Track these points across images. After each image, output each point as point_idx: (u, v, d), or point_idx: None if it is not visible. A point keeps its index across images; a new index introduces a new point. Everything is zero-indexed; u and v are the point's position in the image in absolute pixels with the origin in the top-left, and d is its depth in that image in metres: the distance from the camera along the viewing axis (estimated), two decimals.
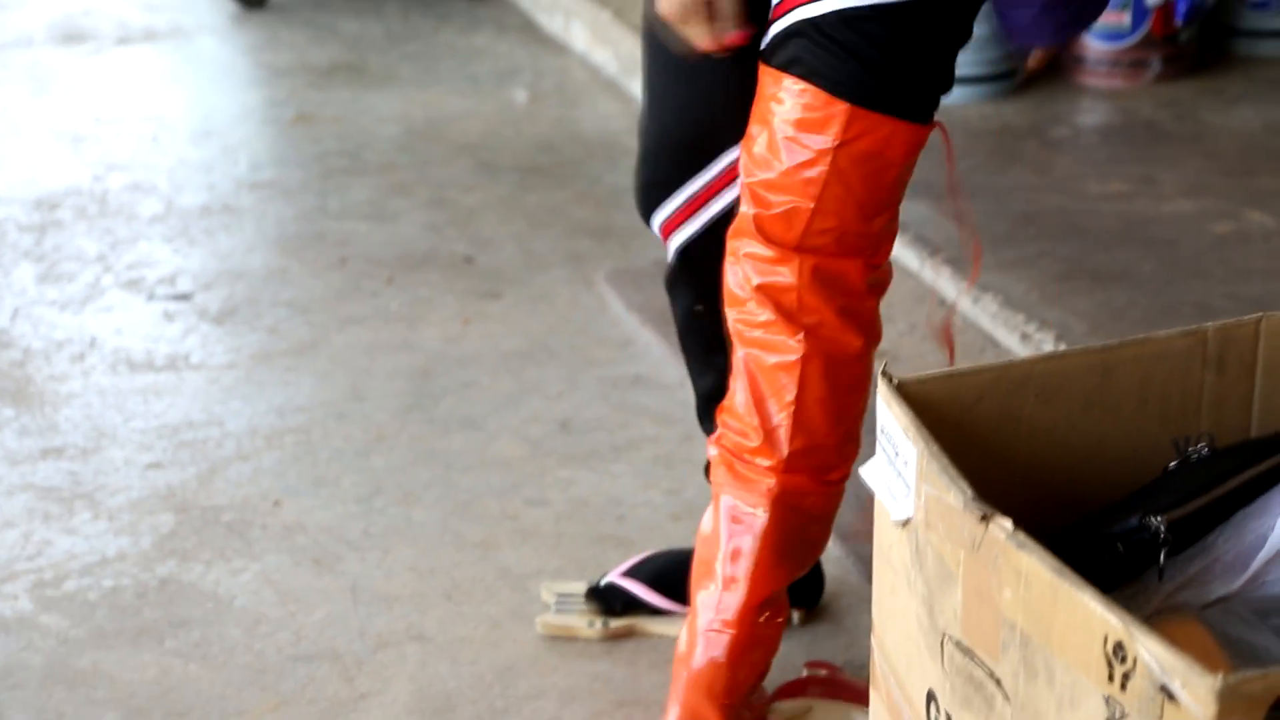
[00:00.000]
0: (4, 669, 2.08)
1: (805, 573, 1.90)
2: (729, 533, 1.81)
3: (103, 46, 4.42)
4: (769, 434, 1.77)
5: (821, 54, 1.68)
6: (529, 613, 2.15)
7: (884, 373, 1.46)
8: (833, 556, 2.27)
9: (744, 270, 1.75)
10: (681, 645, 1.85)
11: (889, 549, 1.45)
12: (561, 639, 2.10)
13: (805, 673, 2.00)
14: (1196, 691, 1.09)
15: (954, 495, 1.30)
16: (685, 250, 1.92)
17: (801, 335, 1.74)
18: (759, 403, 1.77)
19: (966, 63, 3.56)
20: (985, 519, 1.27)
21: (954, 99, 3.57)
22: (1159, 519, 1.40)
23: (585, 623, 2.10)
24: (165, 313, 3.01)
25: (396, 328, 2.96)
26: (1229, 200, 3.12)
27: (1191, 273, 2.84)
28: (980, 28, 3.91)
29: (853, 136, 1.69)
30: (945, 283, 2.85)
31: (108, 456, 2.54)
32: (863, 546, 2.21)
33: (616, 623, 2.10)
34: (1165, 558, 1.39)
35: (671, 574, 2.10)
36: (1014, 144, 3.45)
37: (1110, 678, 1.14)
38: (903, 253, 2.93)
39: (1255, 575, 1.40)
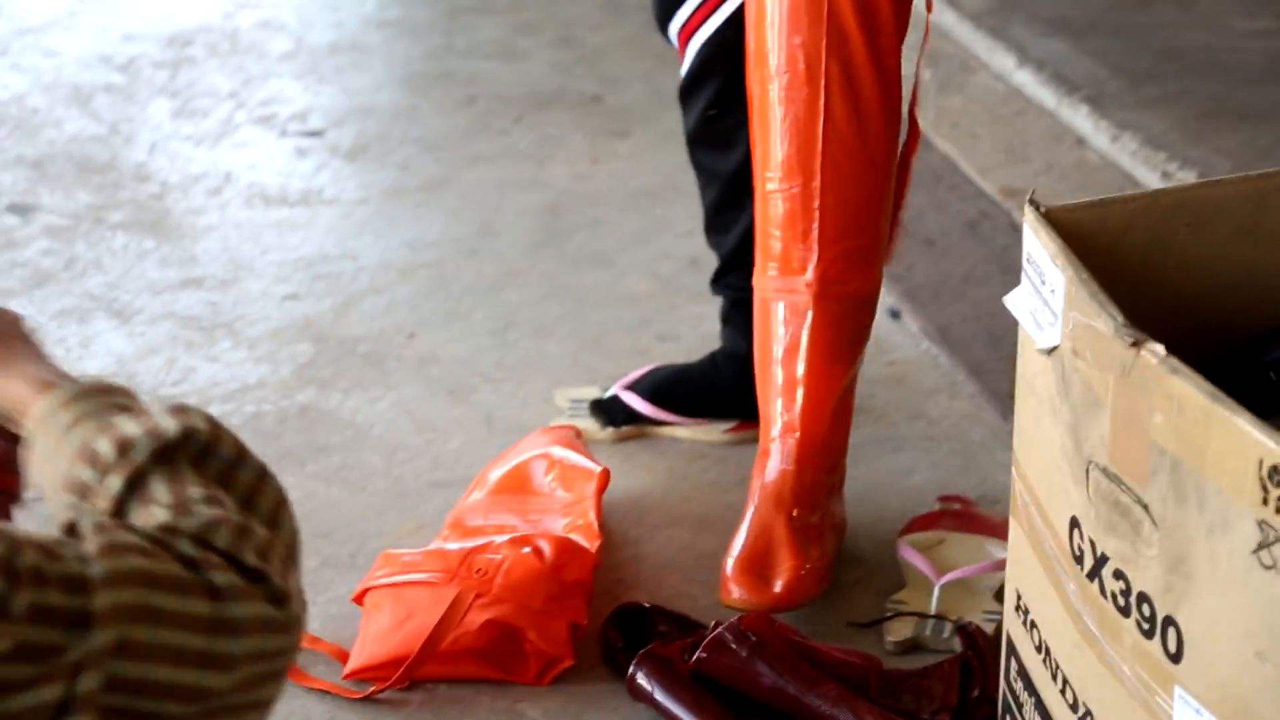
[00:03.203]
0: None
1: (861, 361, 1.92)
2: (781, 336, 1.84)
3: None
4: (803, 232, 1.82)
5: None
6: (662, 447, 2.17)
7: (1031, 200, 1.44)
8: (965, 393, 2.26)
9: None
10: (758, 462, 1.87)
11: (1033, 378, 1.44)
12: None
13: (938, 506, 2.00)
14: None
15: (1103, 321, 1.29)
16: (702, 52, 1.98)
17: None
18: (792, 172, 1.82)
19: None
20: (1136, 344, 1.25)
21: None
22: None
23: (597, 426, 2.18)
24: (297, 149, 3.04)
25: (525, 166, 2.96)
26: None
27: None
28: None
29: None
30: (1082, 120, 2.80)
31: (246, 288, 2.58)
32: (995, 382, 2.20)
33: (625, 428, 2.18)
34: None
35: (669, 387, 2.17)
36: None
37: (1265, 501, 1.12)
38: (1039, 90, 2.88)
39: None
